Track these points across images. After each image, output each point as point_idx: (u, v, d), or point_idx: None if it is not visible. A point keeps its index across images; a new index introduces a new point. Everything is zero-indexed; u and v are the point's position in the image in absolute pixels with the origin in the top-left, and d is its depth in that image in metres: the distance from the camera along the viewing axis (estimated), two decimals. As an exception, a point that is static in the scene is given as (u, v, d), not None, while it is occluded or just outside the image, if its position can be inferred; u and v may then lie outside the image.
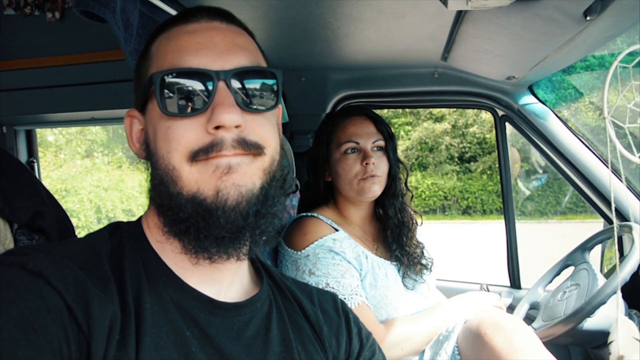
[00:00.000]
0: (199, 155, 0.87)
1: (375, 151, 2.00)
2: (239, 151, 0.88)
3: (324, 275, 1.78)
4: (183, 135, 0.88)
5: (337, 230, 1.93)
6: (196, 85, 0.88)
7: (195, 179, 0.88)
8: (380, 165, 1.98)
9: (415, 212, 2.14)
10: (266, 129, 0.94)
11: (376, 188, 1.96)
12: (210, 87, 0.88)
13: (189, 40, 0.93)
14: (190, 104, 0.88)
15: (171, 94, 0.88)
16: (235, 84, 0.90)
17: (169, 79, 0.89)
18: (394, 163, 2.03)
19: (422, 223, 2.17)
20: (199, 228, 0.88)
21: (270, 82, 0.95)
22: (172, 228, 0.92)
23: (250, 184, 0.90)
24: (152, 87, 0.90)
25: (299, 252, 1.85)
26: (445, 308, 1.94)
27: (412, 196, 2.19)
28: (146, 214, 1.02)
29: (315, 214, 1.97)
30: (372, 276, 1.89)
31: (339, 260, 1.82)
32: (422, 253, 2.07)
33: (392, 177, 2.04)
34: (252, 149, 0.89)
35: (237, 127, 0.88)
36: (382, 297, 1.88)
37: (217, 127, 0.87)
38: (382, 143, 2.01)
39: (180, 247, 0.92)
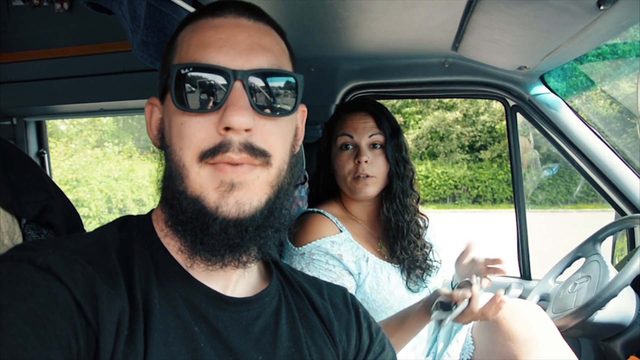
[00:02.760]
0: (207, 156, 0.86)
1: (371, 149, 1.91)
2: (245, 155, 0.86)
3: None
4: (195, 134, 0.87)
5: (340, 230, 1.88)
6: (212, 83, 0.87)
7: (200, 183, 0.87)
8: (375, 164, 1.89)
9: (422, 215, 2.06)
10: (275, 137, 0.91)
11: (369, 189, 1.89)
12: (225, 86, 0.86)
13: (213, 35, 0.91)
14: (204, 101, 0.87)
15: (187, 89, 0.87)
16: (253, 85, 0.88)
17: (186, 73, 0.87)
18: (394, 163, 1.92)
19: (427, 226, 2.08)
20: (195, 235, 0.87)
21: (289, 87, 0.93)
22: (173, 226, 0.92)
23: (256, 201, 0.88)
24: (169, 79, 0.89)
25: (297, 249, 1.83)
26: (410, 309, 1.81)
27: (419, 199, 2.05)
28: (157, 207, 1.02)
29: (322, 210, 1.93)
30: (373, 279, 1.84)
31: (332, 266, 1.78)
32: (426, 257, 1.97)
33: (391, 178, 1.93)
34: (258, 155, 0.87)
35: (247, 130, 0.86)
36: (384, 301, 1.84)
37: (227, 129, 0.85)
38: (379, 139, 1.91)
39: (177, 246, 0.92)
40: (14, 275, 0.74)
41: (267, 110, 0.90)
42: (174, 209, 0.90)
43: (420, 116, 22.76)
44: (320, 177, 2.06)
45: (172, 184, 0.90)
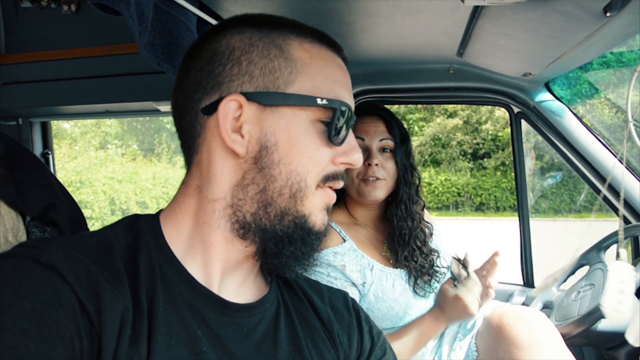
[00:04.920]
0: (324, 181, 0.97)
1: (381, 152, 1.93)
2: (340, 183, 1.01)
3: None
4: (325, 161, 0.96)
5: (344, 240, 1.87)
6: (346, 123, 0.98)
7: (314, 203, 0.97)
8: (385, 168, 1.91)
9: (427, 222, 2.05)
10: None
11: (378, 192, 1.90)
12: (347, 127, 0.99)
13: (342, 77, 1.02)
14: (338, 136, 0.96)
15: (335, 123, 0.95)
16: None
17: (342, 109, 0.96)
18: (403, 168, 1.95)
19: (433, 233, 2.07)
20: (282, 243, 0.95)
21: None
22: (252, 234, 0.95)
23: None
24: (333, 112, 0.96)
25: None
26: (426, 321, 1.86)
27: (424, 205, 2.06)
28: (182, 208, 0.98)
29: None
30: (378, 288, 1.82)
31: (334, 278, 1.77)
32: (432, 264, 1.94)
33: (398, 183, 1.95)
34: None
35: None
36: (389, 309, 1.83)
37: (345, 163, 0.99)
38: (390, 144, 1.94)
39: (243, 249, 0.97)
40: (18, 272, 0.74)
41: None
42: (271, 221, 0.95)
43: (424, 123, 22.77)
44: None
45: (280, 199, 0.94)
